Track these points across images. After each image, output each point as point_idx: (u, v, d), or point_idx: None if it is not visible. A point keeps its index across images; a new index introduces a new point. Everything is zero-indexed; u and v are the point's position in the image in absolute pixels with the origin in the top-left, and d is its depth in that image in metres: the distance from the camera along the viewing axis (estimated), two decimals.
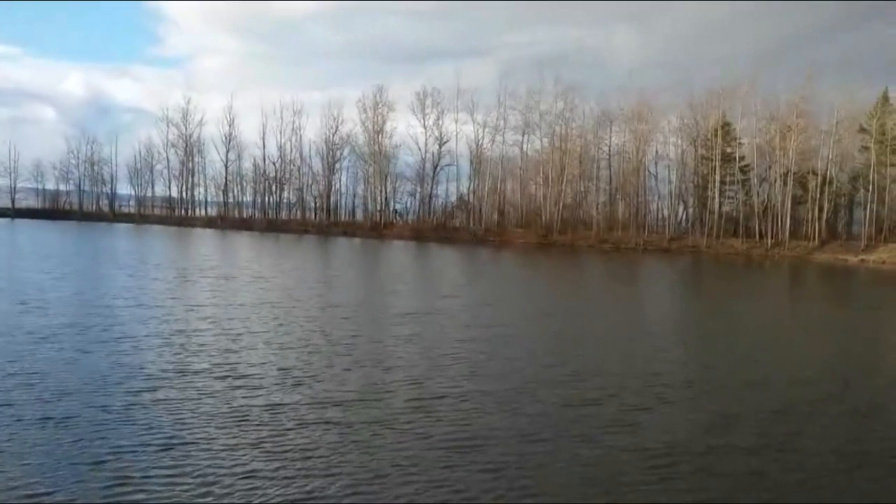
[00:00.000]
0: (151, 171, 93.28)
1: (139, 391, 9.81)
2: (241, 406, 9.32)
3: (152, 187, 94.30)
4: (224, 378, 10.75)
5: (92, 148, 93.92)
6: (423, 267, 41.47)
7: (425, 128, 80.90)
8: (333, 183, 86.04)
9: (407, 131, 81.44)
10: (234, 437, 8.08)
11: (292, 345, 13.66)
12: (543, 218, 75.14)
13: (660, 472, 7.54)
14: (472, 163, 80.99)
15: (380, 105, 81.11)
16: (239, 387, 10.28)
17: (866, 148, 64.57)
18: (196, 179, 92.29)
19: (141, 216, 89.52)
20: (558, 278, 37.12)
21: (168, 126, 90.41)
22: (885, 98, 64.78)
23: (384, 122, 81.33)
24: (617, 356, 14.12)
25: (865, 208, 64.07)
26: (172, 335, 14.00)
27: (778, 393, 11.39)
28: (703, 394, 11.21)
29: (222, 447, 7.74)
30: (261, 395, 9.88)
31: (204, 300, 19.60)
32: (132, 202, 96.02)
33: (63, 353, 11.99)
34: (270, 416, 8.95)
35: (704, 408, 10.28)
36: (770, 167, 69.14)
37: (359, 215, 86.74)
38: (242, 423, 8.63)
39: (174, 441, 7.86)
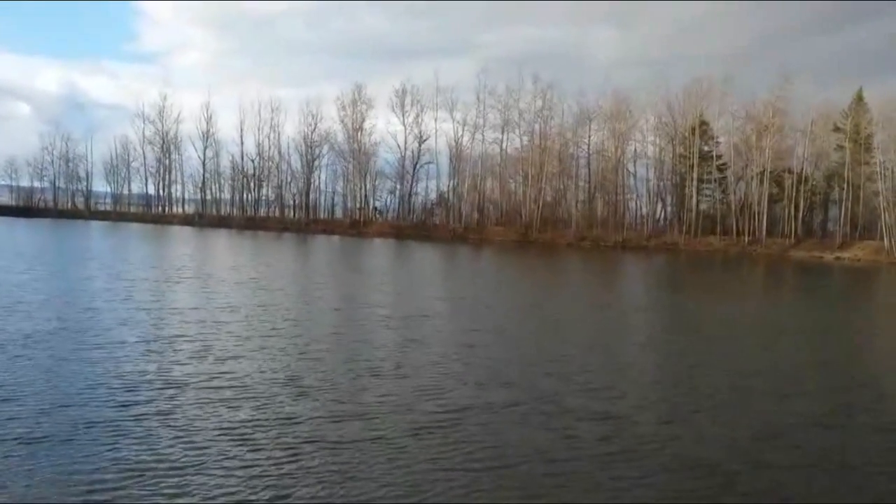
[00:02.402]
0: (128, 169, 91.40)
1: (136, 404, 9.31)
2: (250, 420, 8.85)
3: (129, 185, 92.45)
4: (228, 388, 10.26)
5: (67, 145, 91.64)
6: (408, 266, 41.02)
7: (405, 125, 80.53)
8: (312, 180, 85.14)
9: (386, 129, 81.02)
10: (244, 457, 7.62)
11: (293, 351, 13.18)
12: (523, 216, 75.19)
13: (707, 495, 7.22)
14: (451, 160, 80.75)
15: (359, 102, 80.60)
16: (245, 398, 9.80)
17: (841, 147, 65.57)
18: (173, 177, 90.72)
19: (117, 214, 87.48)
20: (545, 279, 36.96)
21: (144, 123, 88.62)
22: (860, 98, 65.94)
23: (363, 120, 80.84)
24: (628, 365, 13.89)
25: (840, 206, 65.13)
26: (165, 341, 13.41)
27: (807, 402, 11.13)
28: (729, 405, 10.83)
29: (233, 468, 7.30)
30: (269, 408, 9.42)
31: (193, 303, 18.92)
32: (108, 200, 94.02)
33: (51, 361, 11.41)
34: (281, 431, 8.50)
35: (736, 420, 9.90)
36: (747, 166, 69.87)
37: (338, 213, 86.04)
38: (252, 440, 8.16)
39: (183, 462, 7.40)
